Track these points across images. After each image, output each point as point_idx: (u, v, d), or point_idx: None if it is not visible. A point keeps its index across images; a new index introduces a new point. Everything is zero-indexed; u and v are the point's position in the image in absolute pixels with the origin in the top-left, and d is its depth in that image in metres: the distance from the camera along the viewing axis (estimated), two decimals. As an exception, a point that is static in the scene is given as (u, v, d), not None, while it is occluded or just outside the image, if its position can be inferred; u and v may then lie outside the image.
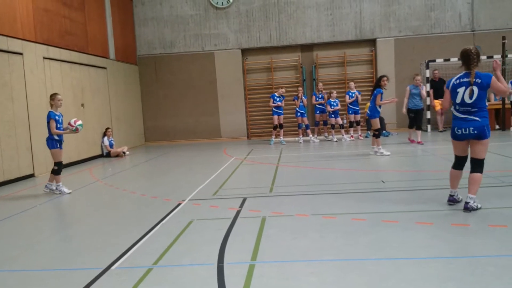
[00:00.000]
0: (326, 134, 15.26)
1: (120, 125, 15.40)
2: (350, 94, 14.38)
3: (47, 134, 7.95)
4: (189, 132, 17.42)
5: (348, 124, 14.76)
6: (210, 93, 17.22)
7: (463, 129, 5.20)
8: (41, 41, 11.15)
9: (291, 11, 16.67)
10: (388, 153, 10.41)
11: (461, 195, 5.50)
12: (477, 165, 5.22)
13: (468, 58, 5.19)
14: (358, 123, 14.60)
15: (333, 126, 14.48)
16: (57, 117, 7.93)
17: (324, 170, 8.95)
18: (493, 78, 5.14)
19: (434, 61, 15.22)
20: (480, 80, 5.09)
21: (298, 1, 16.60)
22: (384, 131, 14.97)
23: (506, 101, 14.28)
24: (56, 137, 7.90)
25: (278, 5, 16.67)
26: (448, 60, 15.19)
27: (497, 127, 14.63)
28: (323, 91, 14.65)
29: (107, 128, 13.91)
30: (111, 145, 13.80)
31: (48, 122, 7.85)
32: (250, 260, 4.04)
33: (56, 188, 8.04)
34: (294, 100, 14.42)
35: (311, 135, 14.59)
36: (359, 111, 14.55)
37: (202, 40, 17.08)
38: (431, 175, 7.85)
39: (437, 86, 14.86)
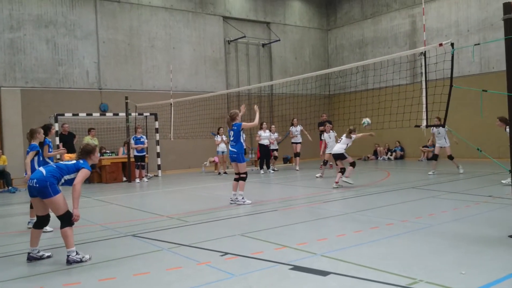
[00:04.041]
0: None
1: None
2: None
3: None
4: None
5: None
6: None
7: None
8: None
9: None
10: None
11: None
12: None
13: None
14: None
15: None
16: None
17: None
18: None
19: (63, 115, 15.23)
20: None
21: None
22: (11, 187, 13.88)
23: (131, 155, 15.52)
24: None
25: None
26: (77, 115, 15.52)
27: (124, 179, 15.71)
28: None
29: None
30: None
31: None
32: None
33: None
34: None
35: None
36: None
37: None
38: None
39: (67, 140, 14.83)
